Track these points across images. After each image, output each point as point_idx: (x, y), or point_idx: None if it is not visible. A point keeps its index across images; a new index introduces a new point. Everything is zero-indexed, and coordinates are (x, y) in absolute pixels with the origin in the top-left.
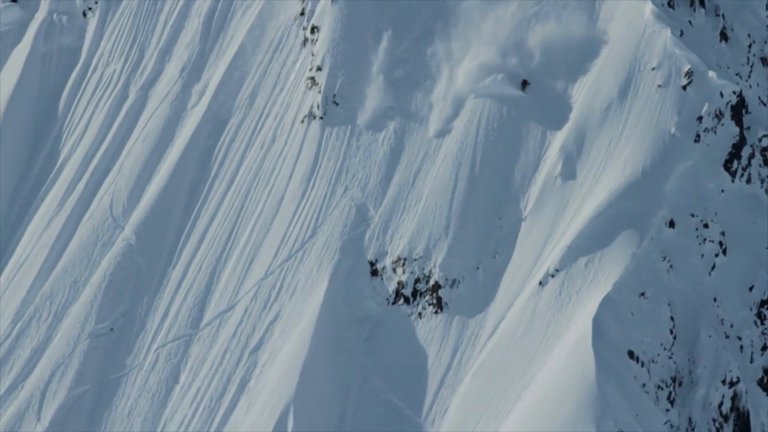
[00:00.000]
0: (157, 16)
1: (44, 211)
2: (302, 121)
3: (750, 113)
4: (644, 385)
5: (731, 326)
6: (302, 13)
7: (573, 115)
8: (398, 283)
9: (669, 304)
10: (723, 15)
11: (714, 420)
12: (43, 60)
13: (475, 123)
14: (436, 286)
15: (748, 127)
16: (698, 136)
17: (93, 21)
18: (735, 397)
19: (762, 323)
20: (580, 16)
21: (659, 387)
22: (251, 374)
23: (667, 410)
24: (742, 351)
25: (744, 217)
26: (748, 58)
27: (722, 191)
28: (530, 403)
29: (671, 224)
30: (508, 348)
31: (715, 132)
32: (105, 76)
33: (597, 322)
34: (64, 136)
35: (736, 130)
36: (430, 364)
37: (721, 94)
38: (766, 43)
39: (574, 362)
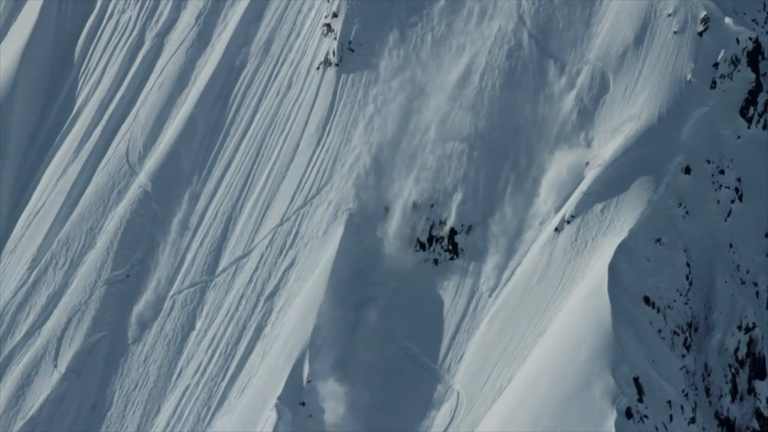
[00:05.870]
0: None
1: (60, 158)
2: (318, 68)
3: (766, 59)
4: (660, 330)
5: (747, 272)
6: None
7: (589, 63)
8: (414, 228)
9: (685, 250)
10: None
11: (730, 365)
12: (58, 6)
13: (491, 71)
14: (452, 232)
15: (765, 74)
16: (714, 82)
17: None
18: (751, 343)
19: None
20: None
21: (675, 333)
22: (267, 320)
23: (683, 356)
24: (758, 297)
25: (760, 163)
26: (765, 4)
27: (738, 137)
28: (546, 349)
29: (687, 170)
30: (524, 294)
31: (731, 78)
32: (121, 23)
33: (613, 269)
34: (80, 83)
35: (753, 76)
36: (445, 311)
37: (738, 41)
38: None
39: (590, 308)
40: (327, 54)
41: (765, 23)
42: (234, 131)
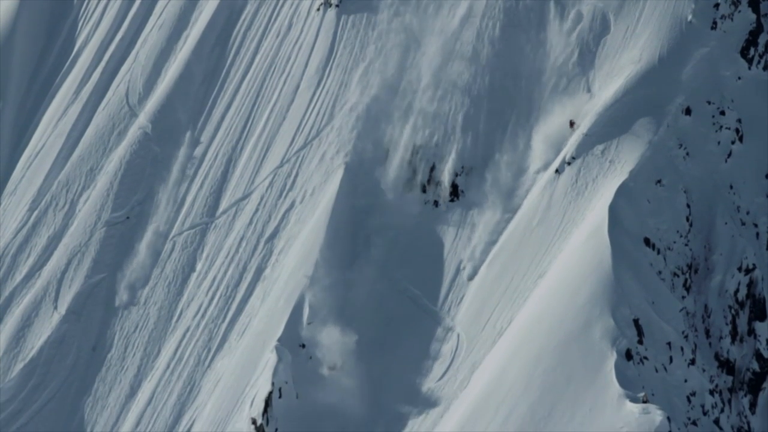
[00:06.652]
0: None
1: (60, 99)
2: (318, 10)
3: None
4: (660, 272)
5: (747, 213)
6: None
7: (589, 3)
8: (414, 171)
9: (685, 192)
10: None
11: (730, 307)
12: None
13: (491, 12)
14: (453, 174)
15: (765, 14)
16: (715, 23)
17: None
18: (751, 284)
19: None
20: None
21: (675, 274)
22: (267, 262)
23: (683, 297)
24: (758, 238)
25: (760, 104)
26: None
27: (739, 78)
28: (546, 291)
29: (688, 111)
30: (524, 236)
31: (732, 19)
32: None
33: (613, 210)
34: (80, 24)
35: (753, 17)
36: (446, 253)
37: None
38: None
39: (591, 250)
40: None
41: None
42: (234, 73)
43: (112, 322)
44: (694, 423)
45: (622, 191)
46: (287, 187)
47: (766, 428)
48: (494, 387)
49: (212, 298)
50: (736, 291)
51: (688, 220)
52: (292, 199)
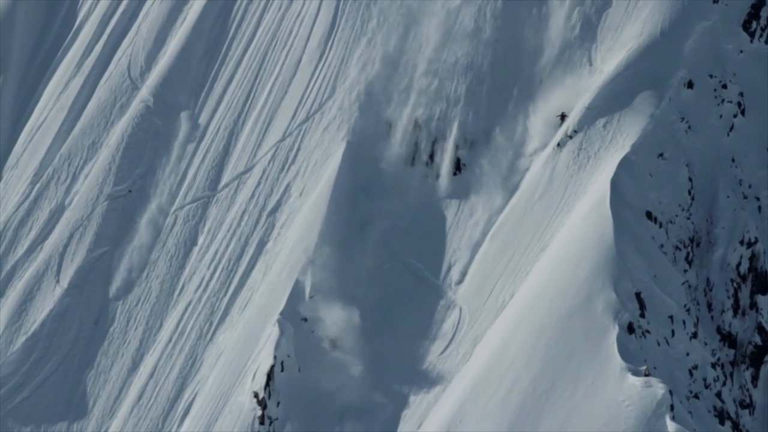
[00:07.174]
0: None
1: (62, 72)
2: None
3: None
4: (662, 245)
5: (749, 187)
6: None
7: None
8: (416, 145)
9: (687, 165)
10: None
11: (732, 280)
12: None
13: None
14: (455, 148)
15: None
16: None
17: None
18: (753, 257)
19: None
20: None
21: (677, 248)
22: (269, 236)
23: (685, 271)
24: (760, 211)
25: (763, 78)
26: None
27: (741, 52)
28: (548, 264)
29: (690, 85)
30: (526, 210)
31: None
32: None
33: (615, 183)
34: None
35: None
36: (448, 226)
37: None
38: None
39: (593, 223)
40: None
41: None
42: (236, 46)
43: (114, 295)
44: (696, 396)
45: (623, 165)
46: (289, 161)
47: None
48: (496, 361)
49: (214, 272)
50: (738, 264)
51: (690, 193)
52: (294, 173)
